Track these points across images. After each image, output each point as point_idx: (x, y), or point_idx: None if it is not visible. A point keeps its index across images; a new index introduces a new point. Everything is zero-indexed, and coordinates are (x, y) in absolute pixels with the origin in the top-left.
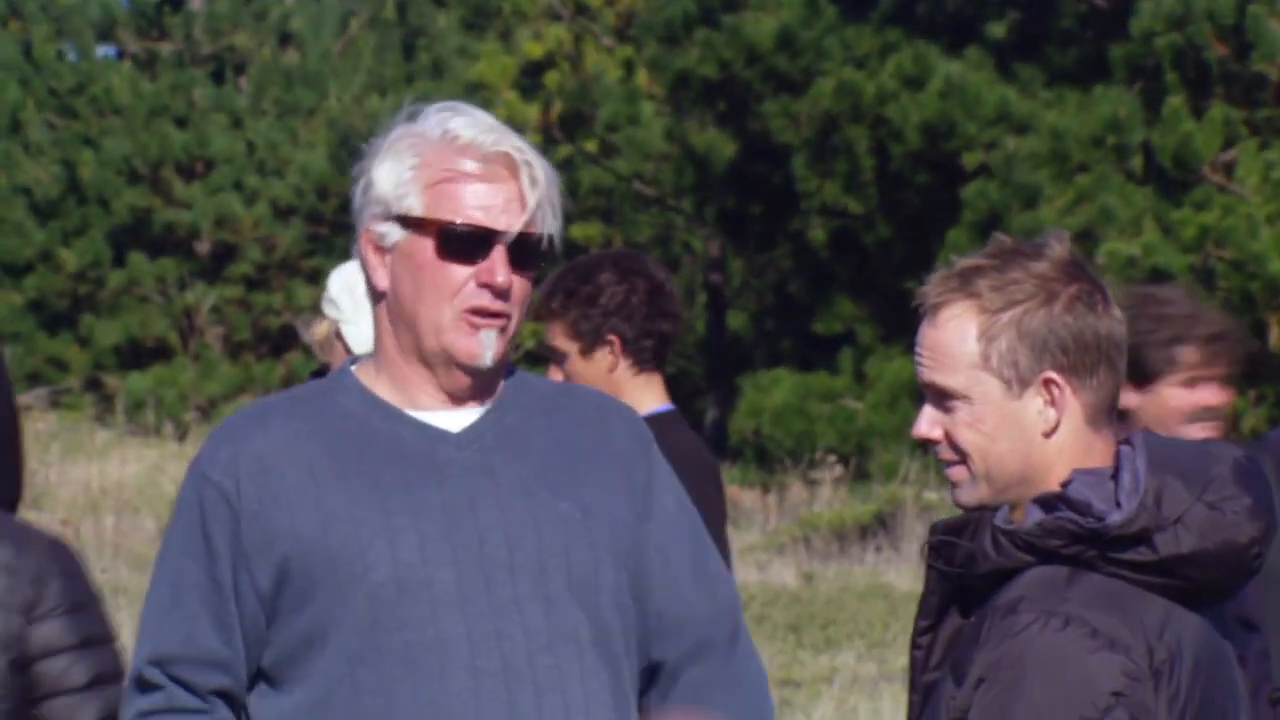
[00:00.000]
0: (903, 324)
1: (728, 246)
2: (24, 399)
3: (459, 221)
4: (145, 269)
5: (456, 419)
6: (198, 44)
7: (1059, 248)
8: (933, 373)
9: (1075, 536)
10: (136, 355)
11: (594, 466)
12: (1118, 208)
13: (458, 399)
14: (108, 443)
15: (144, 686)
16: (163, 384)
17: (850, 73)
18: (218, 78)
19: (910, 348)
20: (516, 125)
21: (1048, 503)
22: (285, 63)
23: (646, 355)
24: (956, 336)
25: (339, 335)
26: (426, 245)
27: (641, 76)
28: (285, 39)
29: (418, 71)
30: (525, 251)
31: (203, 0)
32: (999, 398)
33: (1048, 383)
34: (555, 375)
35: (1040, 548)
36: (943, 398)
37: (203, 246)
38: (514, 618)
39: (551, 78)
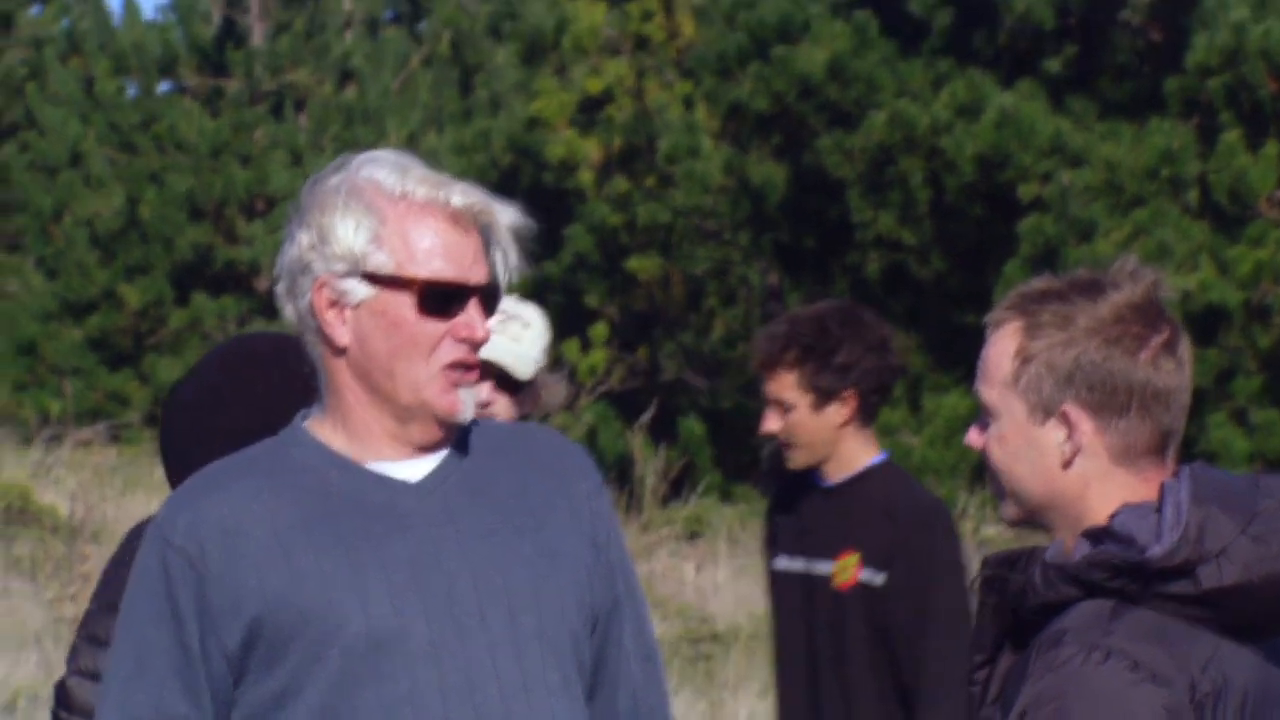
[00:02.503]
0: (958, 358)
1: (784, 279)
2: (84, 434)
3: (435, 278)
4: (207, 307)
5: (415, 468)
6: (258, 81)
7: (1134, 288)
8: (979, 384)
9: (1118, 569)
10: None
11: (553, 509)
12: (1174, 242)
13: (423, 449)
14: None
15: None
16: None
17: (904, 104)
18: (278, 114)
19: (967, 380)
20: (575, 161)
21: (1095, 535)
22: (345, 99)
23: (872, 410)
24: (999, 353)
25: None
26: (403, 302)
27: (701, 111)
28: (345, 76)
29: (475, 107)
30: (491, 300)
31: (263, 37)
32: (1023, 421)
33: (1065, 416)
34: (772, 423)
35: (1085, 581)
36: (984, 411)
37: (262, 284)
38: (487, 666)
39: (612, 112)
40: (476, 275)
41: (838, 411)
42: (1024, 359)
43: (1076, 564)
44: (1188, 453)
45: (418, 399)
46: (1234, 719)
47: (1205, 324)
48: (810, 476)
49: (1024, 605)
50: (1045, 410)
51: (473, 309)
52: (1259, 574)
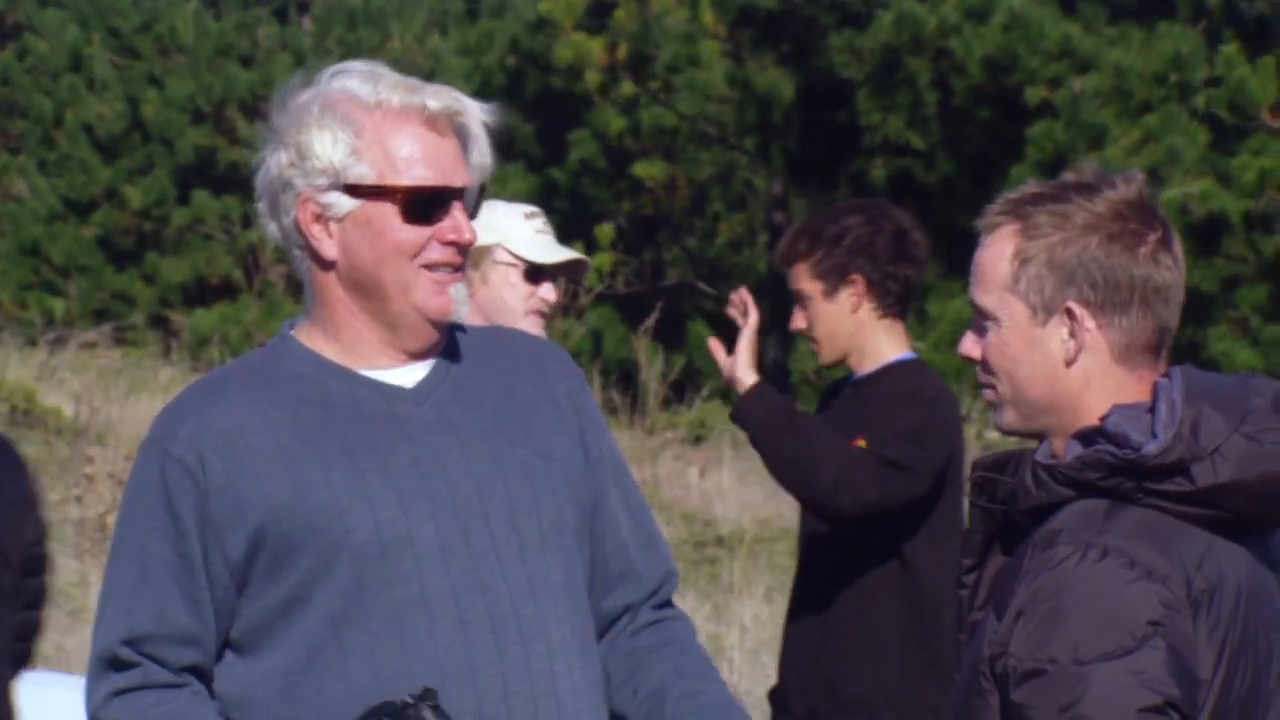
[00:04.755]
0: (964, 263)
1: (790, 186)
2: (89, 335)
3: (418, 184)
4: (209, 207)
5: (407, 375)
6: None
7: (1126, 187)
8: (973, 290)
9: (1112, 468)
10: (201, 292)
11: (542, 412)
12: (1184, 148)
13: (415, 355)
14: (172, 379)
15: (118, 665)
16: (227, 321)
17: (912, 5)
18: (281, 17)
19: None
20: (582, 64)
21: (1087, 437)
22: (348, 2)
23: (890, 299)
24: (995, 257)
25: (503, 258)
26: (387, 210)
27: (706, 15)
28: None
29: (480, 10)
30: (471, 202)
31: None
32: (1024, 323)
33: (1069, 313)
34: (799, 320)
35: (1079, 481)
36: (982, 317)
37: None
38: (494, 568)
39: (619, 16)
40: (458, 178)
41: (848, 298)
42: (1023, 260)
43: (1069, 464)
44: (1192, 358)
45: (408, 303)
46: (1229, 615)
47: (1207, 233)
48: (847, 378)
49: (1015, 508)
50: (1047, 309)
51: (456, 211)
52: (1253, 472)
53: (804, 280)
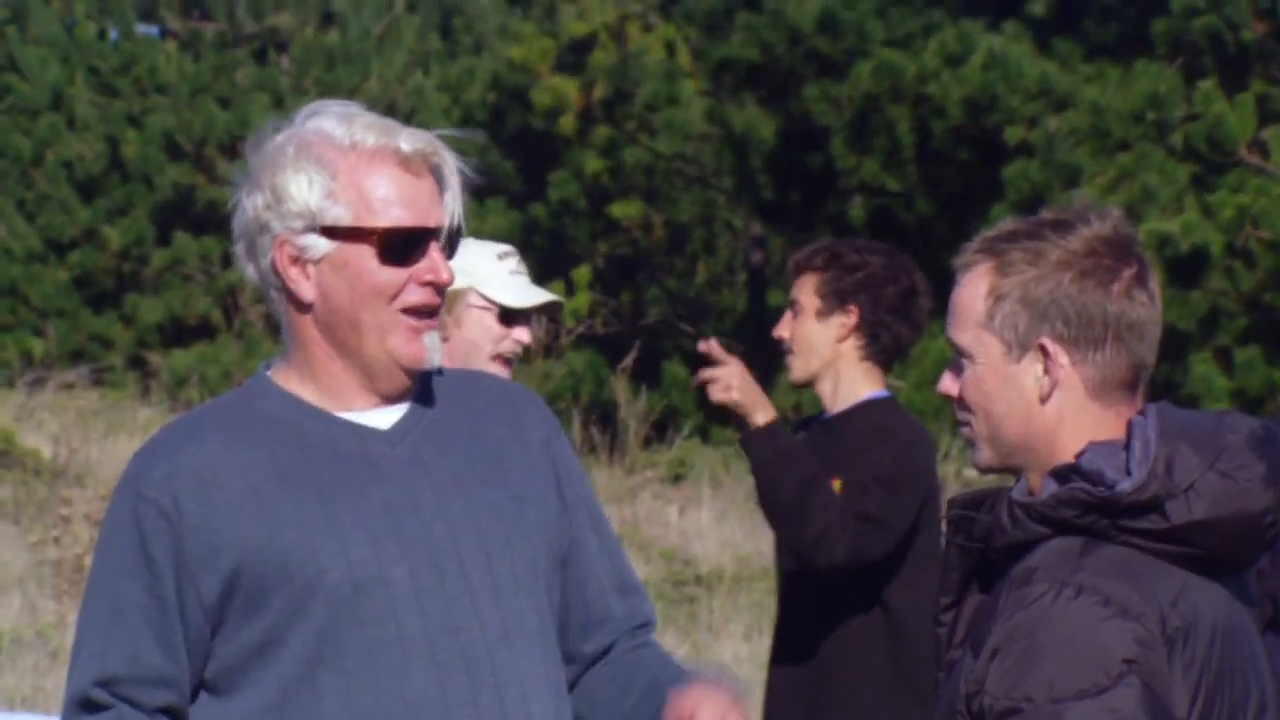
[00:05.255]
0: (943, 303)
1: (768, 226)
2: (67, 376)
3: (395, 225)
4: (188, 247)
5: (383, 417)
6: (240, 24)
7: (1101, 224)
8: (950, 328)
9: (1087, 506)
10: (179, 333)
11: (516, 455)
12: (1159, 186)
13: (390, 399)
14: (150, 420)
15: (91, 707)
16: (205, 361)
17: (890, 54)
18: (260, 57)
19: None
20: (559, 106)
21: (1062, 474)
22: (327, 42)
23: (876, 346)
24: (970, 295)
25: (477, 301)
26: (364, 253)
27: (684, 56)
28: (327, 19)
29: (459, 51)
30: (448, 244)
31: None
32: (999, 360)
33: (1042, 349)
34: (783, 328)
35: (1054, 519)
36: (959, 355)
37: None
38: (469, 610)
39: (596, 57)
40: (435, 218)
41: (838, 325)
42: (997, 297)
43: (1045, 502)
44: (1171, 395)
45: (383, 348)
46: (1204, 653)
47: (1188, 267)
48: (818, 416)
49: (991, 545)
50: (1021, 346)
51: (434, 251)
52: (1228, 509)
53: (805, 292)
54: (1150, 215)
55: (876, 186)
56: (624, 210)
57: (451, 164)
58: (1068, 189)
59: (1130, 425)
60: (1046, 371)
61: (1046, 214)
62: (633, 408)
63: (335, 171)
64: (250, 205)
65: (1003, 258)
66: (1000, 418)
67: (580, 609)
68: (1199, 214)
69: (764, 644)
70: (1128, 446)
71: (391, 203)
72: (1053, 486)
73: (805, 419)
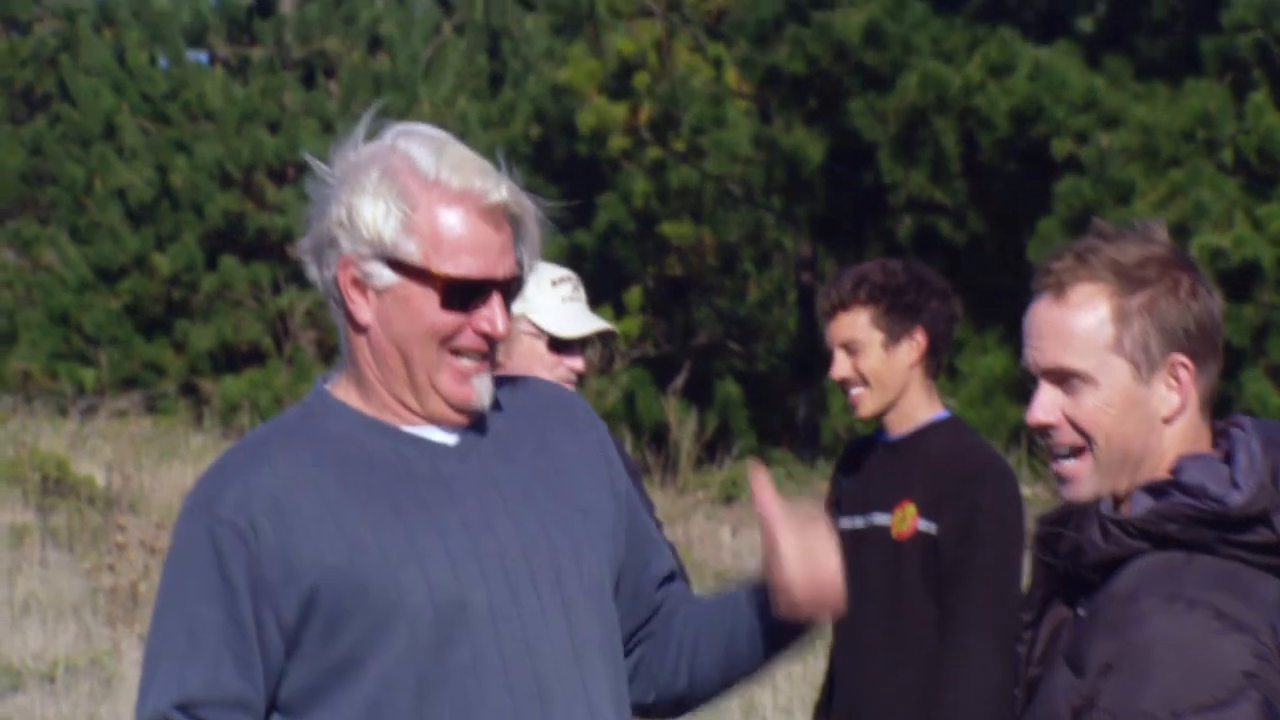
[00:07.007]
0: (994, 318)
1: (818, 245)
2: (119, 404)
3: (461, 275)
4: (239, 273)
5: (446, 431)
6: (288, 49)
7: (1163, 234)
8: (1058, 355)
9: (1194, 520)
10: (230, 359)
11: (576, 465)
12: (1210, 202)
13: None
14: (203, 446)
15: None
16: (257, 387)
17: (936, 66)
18: (308, 82)
19: (1004, 341)
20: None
21: (1158, 489)
22: (375, 67)
23: (935, 362)
24: (1088, 319)
25: (527, 328)
26: (427, 294)
27: (731, 76)
28: (375, 43)
29: (505, 75)
30: (512, 292)
31: (293, 5)
32: (1128, 382)
33: (1175, 366)
34: (842, 368)
35: (1155, 534)
36: (1065, 380)
37: (295, 248)
38: (541, 630)
39: (640, 78)
40: (504, 268)
41: (908, 351)
42: (1123, 318)
43: (1144, 517)
44: (1226, 410)
45: (430, 381)
46: None
47: (1240, 281)
48: (874, 438)
49: (1079, 562)
50: (1151, 366)
51: (495, 302)
52: None
53: (860, 330)
54: (1202, 230)
55: (924, 201)
56: (674, 230)
57: (533, 216)
58: (1119, 206)
59: (1230, 438)
60: (1177, 389)
61: (1106, 230)
62: (684, 428)
63: (414, 205)
64: (324, 213)
65: (1117, 278)
66: (1125, 440)
67: (628, 589)
68: (1250, 228)
69: (817, 665)
70: (1228, 459)
71: (463, 249)
72: (1146, 501)
73: (858, 441)
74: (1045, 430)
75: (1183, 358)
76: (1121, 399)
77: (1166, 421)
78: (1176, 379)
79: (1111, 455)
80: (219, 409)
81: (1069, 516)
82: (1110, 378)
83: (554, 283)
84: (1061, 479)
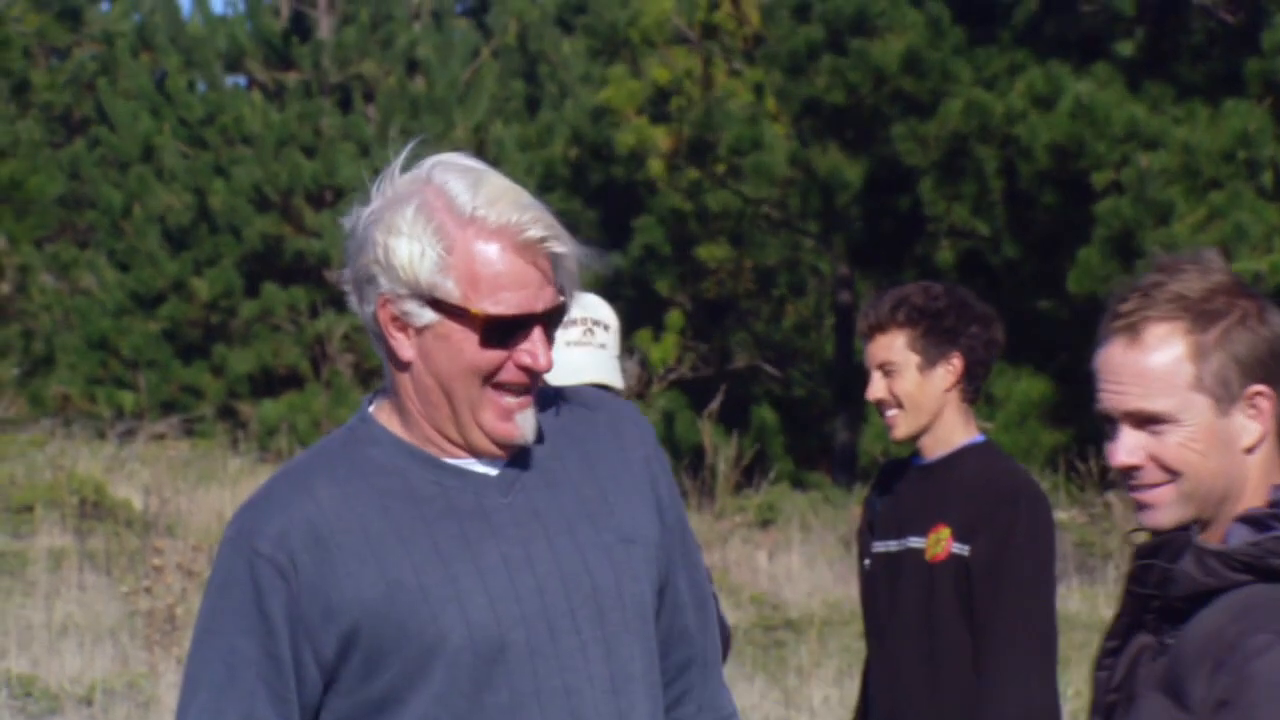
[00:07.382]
0: (1030, 344)
1: (855, 269)
2: (158, 427)
3: (501, 313)
4: (277, 297)
5: (488, 463)
6: (325, 73)
7: (1219, 261)
8: (1139, 400)
9: None
10: (269, 383)
11: (623, 487)
12: (1250, 224)
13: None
14: (240, 470)
15: None
16: (295, 411)
17: (979, 93)
18: (345, 106)
19: (1040, 367)
20: (645, 150)
21: (1259, 520)
22: (412, 90)
23: (973, 386)
24: (1165, 360)
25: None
26: (467, 332)
27: (769, 100)
28: (412, 67)
29: (542, 98)
30: (553, 324)
31: (330, 29)
32: (1210, 417)
33: (1254, 396)
34: (878, 389)
35: (1260, 567)
36: (1147, 422)
37: (333, 274)
38: (580, 668)
39: (678, 102)
40: (542, 302)
41: (944, 375)
42: (1201, 355)
43: (1250, 550)
44: None
45: (474, 418)
46: None
47: (1277, 305)
48: (909, 461)
49: (1171, 593)
50: (1231, 398)
51: (536, 336)
52: None
53: (897, 351)
54: (1241, 253)
55: (965, 230)
56: (710, 253)
57: (571, 250)
58: (1159, 227)
59: None
60: (1258, 419)
61: (1164, 261)
62: (722, 452)
63: (451, 245)
64: (362, 250)
65: (1189, 314)
66: (1211, 475)
67: (662, 630)
68: None
69: (853, 689)
70: None
71: (501, 286)
72: (1244, 533)
73: (892, 463)
74: (1130, 471)
75: (1261, 386)
76: (1205, 434)
77: (1249, 451)
78: (1256, 408)
79: (1198, 488)
80: (256, 433)
81: (1161, 548)
82: (1193, 415)
83: (564, 325)
84: (1141, 506)
